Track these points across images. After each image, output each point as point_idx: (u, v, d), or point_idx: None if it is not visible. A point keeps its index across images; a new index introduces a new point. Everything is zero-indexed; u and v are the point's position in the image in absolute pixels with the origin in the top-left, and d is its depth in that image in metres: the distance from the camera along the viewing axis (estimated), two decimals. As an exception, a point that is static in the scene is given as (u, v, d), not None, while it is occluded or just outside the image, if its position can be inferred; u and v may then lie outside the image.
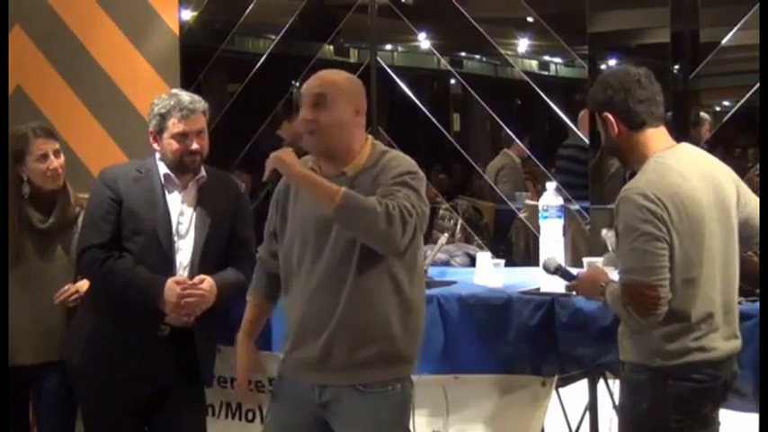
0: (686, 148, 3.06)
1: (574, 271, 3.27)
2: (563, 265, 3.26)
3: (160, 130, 3.59)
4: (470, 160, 6.80)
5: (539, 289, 3.70)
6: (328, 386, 3.04)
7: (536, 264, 3.78)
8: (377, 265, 2.96)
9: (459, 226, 5.94)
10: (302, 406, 3.09)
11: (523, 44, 7.20)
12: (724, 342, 2.97)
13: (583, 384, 3.81)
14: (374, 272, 2.97)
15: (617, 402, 3.25)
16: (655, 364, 2.92)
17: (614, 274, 3.04)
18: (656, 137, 3.00)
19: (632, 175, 3.17)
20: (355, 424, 3.04)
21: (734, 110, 5.90)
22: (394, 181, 2.94)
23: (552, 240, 3.70)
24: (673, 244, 2.85)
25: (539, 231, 3.77)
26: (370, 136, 3.12)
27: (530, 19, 6.67)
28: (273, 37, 6.89)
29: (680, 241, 2.87)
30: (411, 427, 3.76)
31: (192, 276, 3.58)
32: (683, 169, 2.94)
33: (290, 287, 3.11)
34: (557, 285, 3.64)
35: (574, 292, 3.61)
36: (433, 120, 6.72)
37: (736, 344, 3.02)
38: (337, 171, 3.03)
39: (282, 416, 3.17)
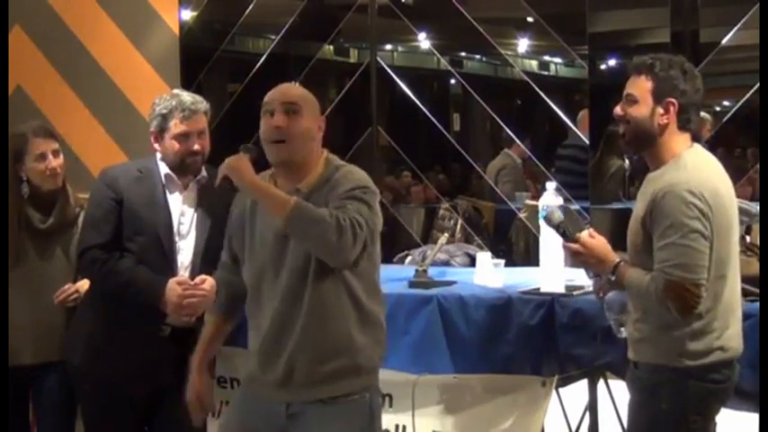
0: (701, 148, 3.08)
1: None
2: (566, 222, 3.14)
3: (161, 131, 3.59)
4: (470, 160, 6.80)
5: (539, 289, 3.69)
6: (293, 402, 3.00)
7: (536, 264, 3.79)
8: (333, 281, 2.94)
9: (459, 226, 5.93)
10: (268, 419, 3.03)
11: (523, 44, 7.20)
12: (736, 341, 3.01)
13: (583, 384, 3.81)
14: (330, 287, 2.95)
15: (620, 402, 3.25)
16: (681, 365, 2.92)
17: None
18: (684, 140, 3.03)
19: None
20: None
21: (734, 110, 5.91)
22: (345, 195, 2.92)
23: (552, 240, 3.69)
24: (712, 241, 2.88)
25: (539, 231, 3.77)
26: (325, 151, 3.09)
27: (530, 19, 6.67)
28: (273, 37, 6.90)
29: (716, 238, 2.89)
30: (411, 427, 3.77)
31: (192, 276, 3.58)
32: (711, 168, 3.00)
33: (252, 306, 3.07)
34: (557, 285, 3.64)
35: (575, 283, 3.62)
36: (433, 120, 6.73)
37: (741, 343, 3.04)
38: (292, 187, 2.99)
39: (245, 426, 3.10)
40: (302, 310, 2.94)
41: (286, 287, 2.96)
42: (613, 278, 3.00)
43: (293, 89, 3.09)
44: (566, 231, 3.09)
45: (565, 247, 3.10)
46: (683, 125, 3.00)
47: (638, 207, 3.01)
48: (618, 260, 2.99)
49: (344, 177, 3.00)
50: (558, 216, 3.12)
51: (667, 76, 2.98)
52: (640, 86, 3.00)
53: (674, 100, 2.98)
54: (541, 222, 3.60)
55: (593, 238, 3.04)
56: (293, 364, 2.96)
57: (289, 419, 3.01)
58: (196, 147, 3.58)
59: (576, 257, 3.08)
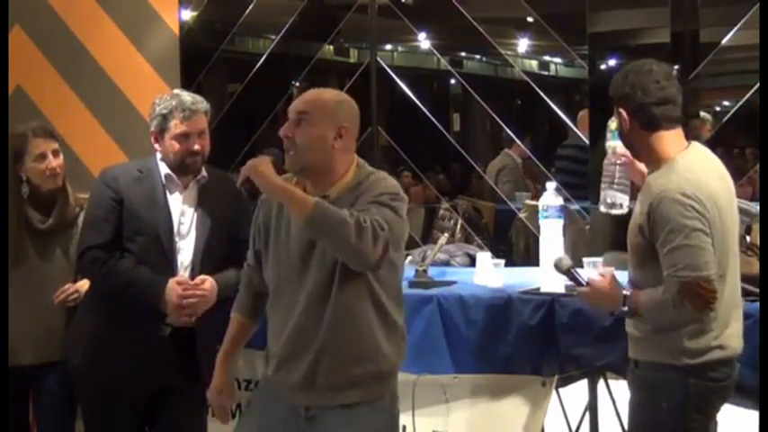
0: (700, 148, 3.08)
1: (584, 276, 3.14)
2: (574, 268, 3.15)
3: (162, 131, 3.59)
4: (470, 160, 6.81)
5: (539, 289, 3.69)
6: (314, 406, 2.99)
7: (536, 264, 3.78)
8: (357, 286, 2.93)
9: (459, 226, 5.94)
10: (286, 422, 3.02)
11: (523, 44, 7.21)
12: (736, 340, 3.02)
13: (583, 384, 3.81)
14: (355, 293, 2.93)
15: (620, 402, 3.25)
16: (680, 363, 2.93)
17: (619, 275, 3.06)
18: (672, 139, 3.01)
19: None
20: None
21: (734, 110, 5.91)
22: (372, 199, 2.91)
23: (552, 240, 3.70)
24: (712, 238, 2.89)
25: (539, 231, 3.77)
26: (357, 158, 3.06)
27: (530, 19, 6.68)
28: (273, 37, 6.91)
29: (714, 238, 2.90)
30: (411, 427, 3.77)
31: (193, 277, 3.58)
32: (706, 170, 2.99)
33: (274, 309, 3.06)
34: (557, 285, 3.64)
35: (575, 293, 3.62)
36: (433, 120, 6.73)
37: (741, 343, 3.05)
38: (320, 193, 2.96)
39: (262, 428, 3.09)
40: (326, 314, 2.93)
41: (311, 291, 2.94)
42: (626, 309, 2.99)
43: (309, 96, 3.02)
44: (576, 276, 3.11)
45: (577, 294, 3.12)
46: (645, 125, 2.98)
47: (637, 209, 3.02)
48: (625, 293, 2.98)
49: (375, 183, 2.98)
50: (567, 263, 3.14)
51: (617, 86, 3.03)
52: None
53: (620, 109, 3.01)
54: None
55: (603, 278, 3.05)
56: (315, 367, 2.95)
57: (307, 423, 2.99)
58: (196, 147, 3.58)
59: (589, 300, 3.11)
